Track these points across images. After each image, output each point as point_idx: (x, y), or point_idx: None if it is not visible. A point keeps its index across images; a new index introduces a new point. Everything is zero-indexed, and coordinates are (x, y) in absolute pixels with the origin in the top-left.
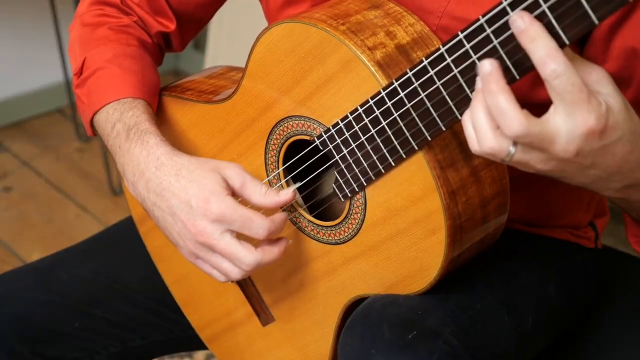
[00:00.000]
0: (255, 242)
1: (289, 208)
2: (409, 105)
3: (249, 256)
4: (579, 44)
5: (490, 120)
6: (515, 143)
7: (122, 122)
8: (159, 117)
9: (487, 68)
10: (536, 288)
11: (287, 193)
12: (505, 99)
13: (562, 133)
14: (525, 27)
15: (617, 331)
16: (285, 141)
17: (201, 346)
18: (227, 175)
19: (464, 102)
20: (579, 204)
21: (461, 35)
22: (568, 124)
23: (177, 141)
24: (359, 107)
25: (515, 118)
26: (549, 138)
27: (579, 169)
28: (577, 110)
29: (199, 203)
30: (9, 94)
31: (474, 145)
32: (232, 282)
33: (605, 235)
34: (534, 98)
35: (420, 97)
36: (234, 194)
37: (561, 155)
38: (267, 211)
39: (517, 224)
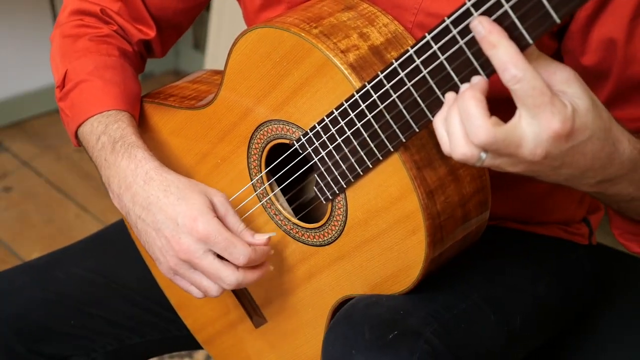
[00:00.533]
0: None
1: (274, 210)
2: (381, 107)
3: (231, 276)
4: (557, 37)
5: (464, 127)
6: (485, 149)
7: (107, 135)
8: (143, 124)
9: (475, 79)
10: (526, 286)
11: (262, 238)
12: (475, 105)
13: (528, 137)
14: (485, 33)
15: (616, 330)
16: (266, 145)
17: (200, 345)
18: (213, 201)
19: (436, 104)
20: (569, 198)
21: (428, 37)
22: (534, 127)
23: (161, 148)
24: (334, 110)
25: (483, 126)
26: (515, 143)
27: (550, 169)
28: (541, 113)
29: (185, 221)
30: (9, 94)
31: (446, 148)
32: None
33: (605, 235)
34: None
35: (392, 98)
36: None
37: (529, 159)
38: (253, 227)
39: (508, 222)
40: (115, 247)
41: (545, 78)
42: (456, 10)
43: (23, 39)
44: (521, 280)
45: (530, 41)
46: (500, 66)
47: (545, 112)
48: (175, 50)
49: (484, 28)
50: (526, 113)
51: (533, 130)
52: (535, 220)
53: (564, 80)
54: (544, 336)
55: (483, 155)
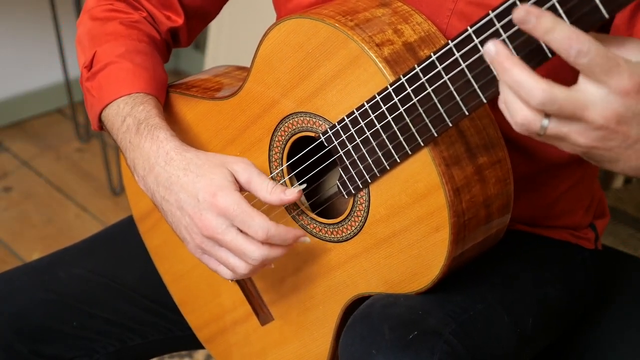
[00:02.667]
0: None
1: (291, 205)
2: (415, 100)
3: (255, 251)
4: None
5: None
6: (548, 115)
7: (133, 117)
8: (165, 113)
9: (492, 49)
10: (536, 289)
11: (293, 192)
12: (520, 71)
13: (596, 100)
14: (535, 21)
15: (618, 331)
16: (290, 138)
17: (201, 345)
18: (235, 169)
19: (471, 98)
20: (579, 204)
21: (470, 30)
22: (601, 90)
23: (182, 138)
24: (365, 103)
25: (536, 86)
26: (581, 104)
27: (627, 143)
28: (610, 78)
29: (206, 197)
30: (9, 94)
31: (510, 120)
32: (238, 278)
33: (606, 235)
34: None
35: (427, 91)
36: (241, 189)
37: (600, 123)
38: (275, 216)
39: (518, 224)
40: (117, 247)
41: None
42: (501, 4)
43: (23, 39)
44: (530, 283)
45: None
46: (562, 47)
47: (613, 73)
48: (175, 50)
49: (534, 16)
50: (594, 78)
51: (600, 93)
52: (545, 223)
53: (632, 50)
54: (550, 338)
55: (545, 121)
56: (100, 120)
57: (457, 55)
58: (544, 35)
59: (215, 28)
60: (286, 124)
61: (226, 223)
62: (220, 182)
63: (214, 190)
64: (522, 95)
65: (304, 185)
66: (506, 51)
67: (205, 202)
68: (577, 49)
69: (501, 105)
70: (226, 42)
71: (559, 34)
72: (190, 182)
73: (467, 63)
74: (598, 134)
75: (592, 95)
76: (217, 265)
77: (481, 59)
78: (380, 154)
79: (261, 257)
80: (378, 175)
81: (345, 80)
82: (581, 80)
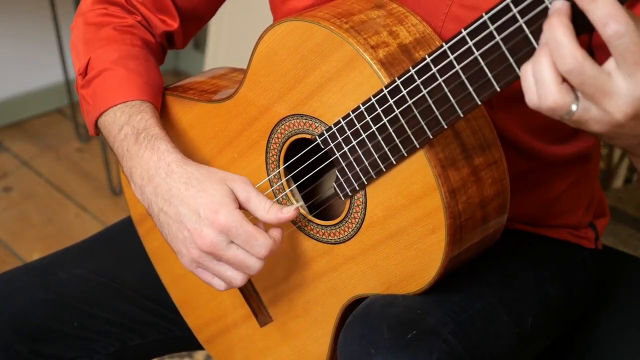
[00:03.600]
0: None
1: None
2: (410, 103)
3: (257, 263)
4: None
5: (555, 73)
6: (577, 99)
7: (131, 126)
8: (161, 116)
9: (556, 5)
10: (536, 288)
11: (290, 211)
12: (564, 32)
13: (621, 92)
14: None
15: (618, 331)
16: (287, 140)
17: (201, 346)
18: (234, 187)
19: (466, 100)
20: (579, 203)
21: (464, 32)
22: (630, 84)
23: (179, 140)
24: (360, 105)
25: (572, 53)
26: (604, 89)
27: (634, 132)
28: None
29: (207, 213)
30: (9, 94)
31: (533, 99)
32: (231, 289)
33: (606, 235)
34: None
35: (421, 94)
36: (240, 206)
37: (617, 118)
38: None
39: (517, 224)
40: (117, 247)
41: None
42: (495, 7)
43: (23, 39)
44: (530, 283)
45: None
46: (600, 21)
47: None
48: (175, 50)
49: None
50: (625, 68)
51: (627, 87)
52: (544, 222)
53: None
54: (550, 337)
55: (574, 106)
56: (96, 127)
57: (452, 57)
58: (587, 4)
59: (215, 28)
60: (282, 127)
61: (227, 240)
62: (222, 199)
63: (215, 207)
64: (554, 56)
65: (301, 203)
66: (564, 11)
67: (207, 218)
68: (615, 29)
69: (528, 80)
70: (226, 42)
71: (602, 6)
72: (191, 197)
73: (461, 65)
74: (613, 126)
75: (617, 86)
76: (211, 278)
77: (475, 61)
78: (376, 156)
79: (261, 268)
80: (374, 177)
81: (341, 82)
82: (611, 64)
